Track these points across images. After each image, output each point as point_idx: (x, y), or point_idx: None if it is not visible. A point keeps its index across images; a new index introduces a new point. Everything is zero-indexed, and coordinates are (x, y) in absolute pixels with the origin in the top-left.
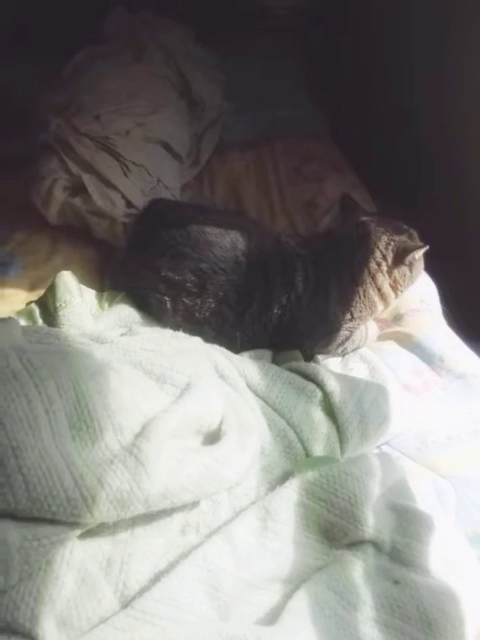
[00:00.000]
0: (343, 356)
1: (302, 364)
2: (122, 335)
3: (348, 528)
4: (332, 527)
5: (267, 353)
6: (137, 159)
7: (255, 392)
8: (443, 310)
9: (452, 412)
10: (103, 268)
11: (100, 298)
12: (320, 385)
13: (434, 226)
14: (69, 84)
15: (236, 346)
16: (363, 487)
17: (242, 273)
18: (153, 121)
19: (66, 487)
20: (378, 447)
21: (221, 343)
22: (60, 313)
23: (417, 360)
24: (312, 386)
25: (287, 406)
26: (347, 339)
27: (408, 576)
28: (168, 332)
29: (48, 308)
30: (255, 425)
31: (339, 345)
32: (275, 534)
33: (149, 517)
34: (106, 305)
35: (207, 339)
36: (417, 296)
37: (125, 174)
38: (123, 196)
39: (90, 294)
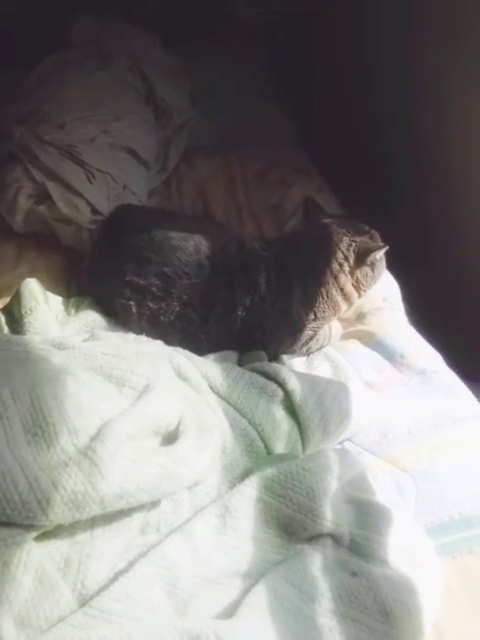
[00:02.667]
0: (308, 355)
1: (264, 364)
2: (85, 340)
3: (306, 522)
4: (291, 522)
5: (233, 354)
6: (102, 166)
7: (217, 393)
8: (406, 308)
9: (412, 407)
10: (69, 274)
11: (67, 304)
12: (281, 384)
13: (399, 227)
14: (33, 93)
15: (202, 348)
16: (321, 482)
17: (206, 276)
18: (118, 128)
19: (20, 491)
20: (340, 443)
21: (187, 345)
22: (25, 320)
23: (379, 357)
24: (274, 386)
25: (249, 406)
26: (311, 339)
27: (366, 568)
28: (131, 336)
29: (14, 316)
30: (215, 425)
31: (303, 345)
32: (234, 531)
33: (108, 518)
34: (73, 311)
35: (173, 342)
36: (380, 295)
37: (90, 181)
38: (88, 203)
39: (57, 301)
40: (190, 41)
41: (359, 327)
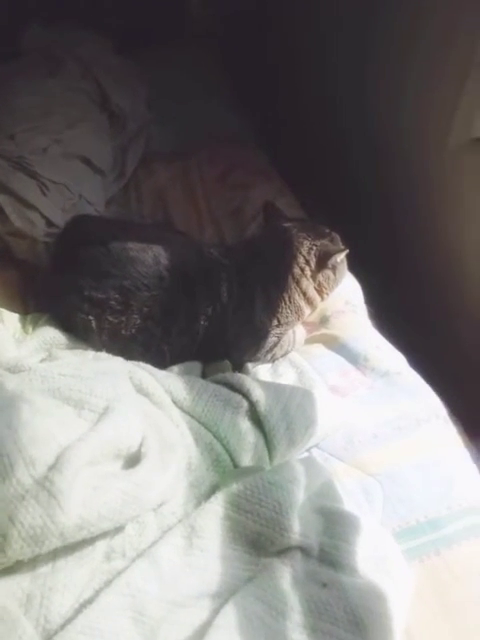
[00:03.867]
0: (273, 362)
1: (227, 375)
2: (42, 360)
3: (274, 536)
4: (259, 537)
5: (197, 365)
6: (56, 177)
7: (181, 407)
8: (369, 310)
9: (377, 410)
10: (26, 290)
11: (24, 321)
12: (246, 395)
13: (362, 227)
14: None
15: (165, 361)
16: (287, 494)
17: (166, 288)
18: (71, 137)
19: None
20: (307, 450)
21: (150, 358)
22: None
23: (343, 361)
24: (238, 397)
25: (213, 419)
26: (275, 345)
27: (336, 578)
28: (91, 354)
29: None
30: (178, 442)
31: (268, 352)
32: (201, 551)
33: (70, 548)
34: (30, 328)
35: (135, 356)
36: (342, 297)
37: (43, 193)
38: (42, 215)
39: (13, 318)
40: (144, 45)
41: (323, 331)
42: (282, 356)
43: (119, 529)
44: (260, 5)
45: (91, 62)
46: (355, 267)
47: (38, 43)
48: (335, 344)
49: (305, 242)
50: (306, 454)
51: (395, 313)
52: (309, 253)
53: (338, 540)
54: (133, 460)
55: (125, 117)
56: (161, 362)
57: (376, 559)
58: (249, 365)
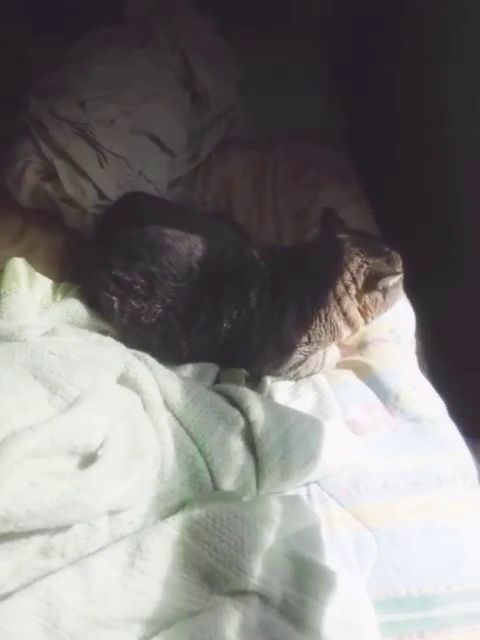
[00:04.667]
0: (296, 380)
1: (231, 387)
2: (45, 334)
3: (230, 575)
4: (213, 571)
5: (213, 369)
6: (117, 149)
7: (173, 411)
8: (418, 345)
9: (395, 458)
10: (67, 258)
11: (55, 288)
12: (244, 413)
13: (440, 257)
14: (65, 66)
15: (182, 356)
16: (254, 533)
17: (193, 281)
18: (143, 111)
19: None
20: (306, 485)
21: (167, 351)
22: (2, 301)
23: (372, 395)
24: (236, 413)
25: (202, 431)
26: (300, 363)
27: (291, 637)
28: (94, 337)
29: None
30: (152, 449)
31: (291, 368)
32: (141, 573)
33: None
34: (59, 297)
35: (153, 346)
36: (388, 325)
37: (101, 164)
38: (95, 186)
39: (45, 283)
40: (252, 29)
41: (358, 357)
42: (307, 376)
43: (62, 528)
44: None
45: (184, 38)
46: (417, 296)
47: (140, 12)
48: (367, 375)
49: (356, 258)
50: (304, 489)
51: (450, 354)
52: (358, 271)
53: (306, 595)
54: (91, 459)
55: (208, 98)
56: (178, 357)
57: (345, 625)
58: (268, 379)
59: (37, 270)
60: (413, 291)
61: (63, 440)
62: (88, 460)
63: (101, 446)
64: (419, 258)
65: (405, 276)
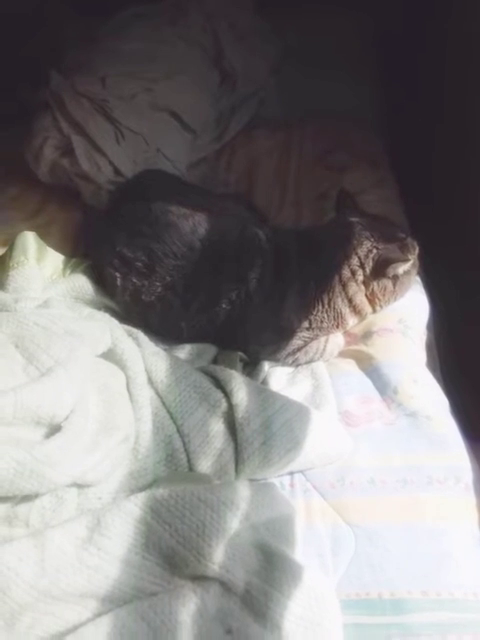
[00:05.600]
0: (295, 366)
1: (218, 368)
2: (38, 306)
3: (189, 559)
4: (174, 554)
5: (211, 350)
6: (135, 126)
7: (156, 390)
8: (429, 338)
9: (385, 453)
10: (80, 234)
11: (66, 264)
12: (228, 395)
13: (468, 247)
14: (94, 43)
15: (181, 336)
16: (217, 518)
17: (194, 260)
18: (164, 88)
19: None
20: (290, 474)
21: (166, 331)
22: (10, 273)
23: (370, 386)
24: (219, 394)
25: (182, 411)
26: (299, 349)
27: (250, 629)
28: (86, 311)
29: (4, 266)
30: (123, 426)
31: (290, 354)
32: (97, 549)
33: None
34: (68, 272)
35: (153, 324)
36: (397, 314)
37: (117, 140)
38: (111, 162)
39: (57, 259)
40: (295, 6)
41: (361, 347)
42: (306, 363)
43: (28, 497)
44: None
45: (216, 16)
46: (436, 286)
47: None
48: (368, 365)
49: (366, 242)
50: (288, 478)
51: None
52: (368, 256)
53: (270, 587)
54: (57, 431)
55: (237, 77)
56: (177, 336)
57: (308, 623)
58: (266, 364)
59: (52, 245)
60: (431, 283)
61: (27, 409)
62: (54, 431)
63: (66, 418)
64: (444, 248)
65: (424, 265)
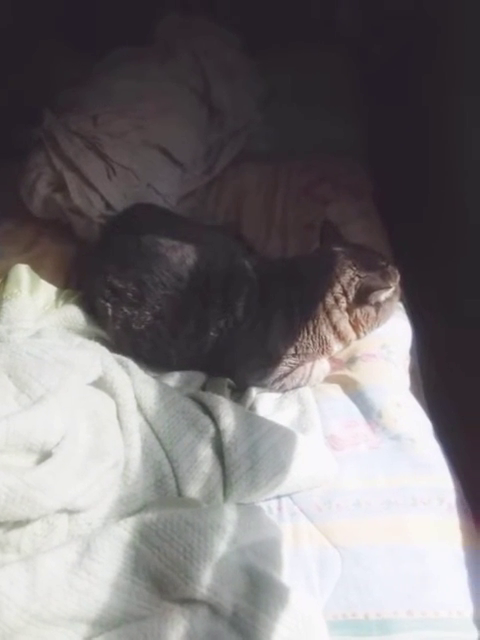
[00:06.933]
0: (282, 392)
1: (205, 394)
2: (30, 336)
3: (177, 582)
4: (163, 577)
5: (200, 377)
6: (125, 162)
7: (145, 416)
8: (413, 364)
9: (370, 475)
10: (73, 266)
11: (59, 295)
12: (215, 421)
13: (450, 278)
14: (85, 83)
15: (171, 364)
16: (204, 541)
17: (182, 290)
18: (154, 125)
19: None
20: (277, 498)
21: (156, 358)
22: (3, 305)
23: (355, 411)
24: (207, 420)
25: (171, 437)
26: (285, 375)
27: None
28: (77, 340)
29: None
30: (113, 453)
31: (276, 380)
32: (87, 574)
33: None
34: (61, 303)
35: (143, 352)
36: (380, 340)
37: (109, 176)
38: (102, 197)
39: (50, 290)
40: (282, 45)
41: (346, 372)
42: (293, 388)
43: (19, 523)
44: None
45: (204, 56)
46: (419, 312)
47: (168, 33)
48: (352, 390)
49: (348, 271)
50: (275, 502)
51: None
52: (350, 284)
53: (258, 609)
54: (48, 457)
55: (225, 113)
56: (167, 364)
57: None
58: (253, 391)
59: (45, 277)
60: (415, 308)
61: (19, 437)
62: (45, 458)
63: (57, 445)
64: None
65: (408, 293)
